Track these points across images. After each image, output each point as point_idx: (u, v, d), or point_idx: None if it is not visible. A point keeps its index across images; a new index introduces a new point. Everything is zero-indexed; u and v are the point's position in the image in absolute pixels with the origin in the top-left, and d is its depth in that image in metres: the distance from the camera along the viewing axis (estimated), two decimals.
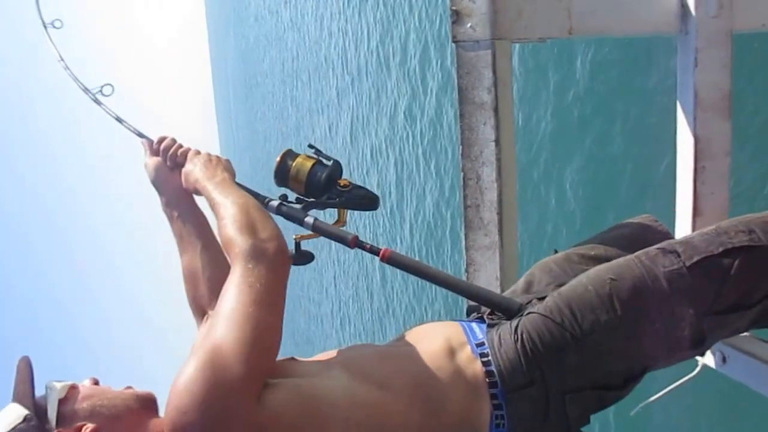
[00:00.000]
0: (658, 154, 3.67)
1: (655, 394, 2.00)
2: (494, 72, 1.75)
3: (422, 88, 8.09)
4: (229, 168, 1.49)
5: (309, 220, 1.49)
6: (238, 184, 1.46)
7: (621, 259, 1.24)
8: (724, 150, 1.81)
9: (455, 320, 1.37)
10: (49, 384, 1.20)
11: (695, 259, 1.18)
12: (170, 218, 1.56)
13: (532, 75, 5.30)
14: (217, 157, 1.53)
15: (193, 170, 1.47)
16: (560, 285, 1.36)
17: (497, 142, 1.78)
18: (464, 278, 1.89)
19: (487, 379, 1.19)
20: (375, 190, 1.56)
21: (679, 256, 1.18)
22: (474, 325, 1.32)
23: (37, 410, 1.15)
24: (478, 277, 1.95)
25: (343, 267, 13.58)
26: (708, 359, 1.82)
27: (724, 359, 1.75)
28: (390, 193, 9.56)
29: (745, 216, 1.26)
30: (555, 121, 5.10)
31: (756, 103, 3.15)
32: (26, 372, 1.20)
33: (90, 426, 1.14)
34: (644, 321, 1.17)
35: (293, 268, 1.46)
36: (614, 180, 4.34)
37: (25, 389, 1.17)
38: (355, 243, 1.47)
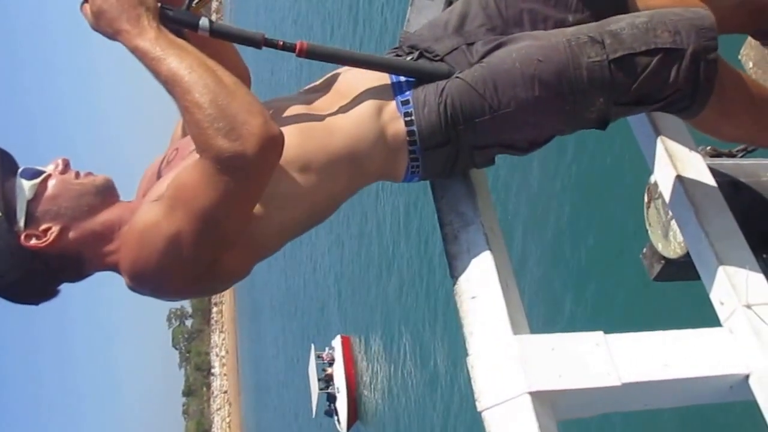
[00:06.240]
0: None
1: None
2: None
3: None
4: None
5: (204, 22, 1.22)
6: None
7: (553, 38, 1.27)
8: None
9: None
10: (19, 183, 1.21)
11: (618, 54, 1.23)
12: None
13: None
14: None
15: (103, 5, 1.14)
16: (492, 29, 1.36)
17: None
18: None
19: (408, 138, 1.28)
20: None
21: (604, 48, 1.23)
22: (402, 77, 1.32)
23: (8, 210, 1.19)
24: None
25: None
26: None
27: None
28: None
29: (677, 11, 1.29)
30: None
31: None
32: None
33: (56, 230, 1.20)
34: (558, 103, 1.26)
35: None
36: None
37: None
38: (265, 42, 1.26)
